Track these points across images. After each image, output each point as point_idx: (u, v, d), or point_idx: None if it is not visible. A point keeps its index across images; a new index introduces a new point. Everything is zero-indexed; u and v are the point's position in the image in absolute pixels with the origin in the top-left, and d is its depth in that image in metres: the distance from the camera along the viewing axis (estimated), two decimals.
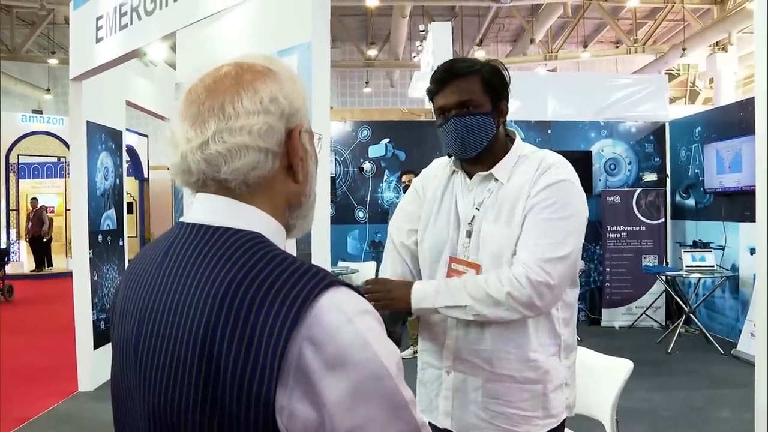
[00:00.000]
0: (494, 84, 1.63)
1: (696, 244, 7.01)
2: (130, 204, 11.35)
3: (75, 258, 5.30)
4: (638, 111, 8.37)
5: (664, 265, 7.23)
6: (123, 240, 5.94)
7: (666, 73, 15.87)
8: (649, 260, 7.23)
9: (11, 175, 14.32)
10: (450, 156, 1.75)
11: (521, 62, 16.59)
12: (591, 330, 7.05)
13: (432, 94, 1.67)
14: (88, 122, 5.19)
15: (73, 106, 5.17)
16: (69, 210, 12.39)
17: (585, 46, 17.36)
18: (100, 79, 5.12)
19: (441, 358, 1.69)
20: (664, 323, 7.14)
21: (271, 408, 0.71)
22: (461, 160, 1.72)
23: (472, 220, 1.65)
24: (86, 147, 5.17)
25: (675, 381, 5.16)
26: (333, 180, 7.57)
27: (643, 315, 7.16)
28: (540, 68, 16.32)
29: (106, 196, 5.58)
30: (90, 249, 5.22)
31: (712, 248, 6.61)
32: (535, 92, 8.17)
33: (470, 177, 1.70)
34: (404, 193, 6.38)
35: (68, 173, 13.56)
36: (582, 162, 7.09)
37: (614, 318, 7.30)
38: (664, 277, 6.74)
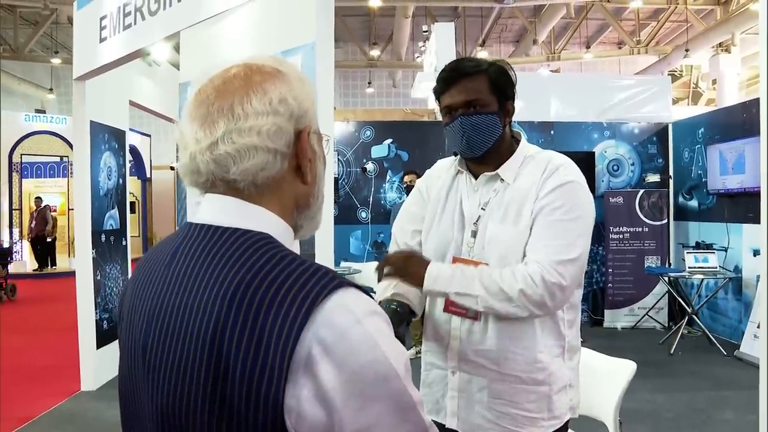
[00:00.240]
0: (501, 84, 1.63)
1: (699, 246, 7.01)
2: (132, 204, 11.38)
3: (78, 257, 5.31)
4: (641, 112, 8.35)
5: (666, 266, 7.22)
6: (126, 240, 5.95)
7: (669, 74, 15.88)
8: (651, 261, 7.22)
9: (14, 174, 14.34)
10: (456, 155, 1.75)
11: (524, 63, 16.57)
12: (593, 331, 7.04)
13: (438, 93, 1.67)
14: (91, 122, 5.20)
15: (76, 105, 5.18)
16: (72, 209, 12.43)
17: (588, 47, 17.35)
18: (104, 78, 5.14)
19: (446, 359, 1.69)
20: (666, 324, 7.13)
21: (280, 408, 0.71)
22: (467, 160, 1.72)
23: (477, 220, 1.65)
24: (89, 147, 5.18)
25: (678, 382, 5.15)
26: (336, 180, 7.57)
27: (646, 316, 7.15)
28: (543, 69, 16.31)
29: (109, 196, 5.59)
30: (93, 248, 5.23)
31: (714, 249, 6.61)
32: (538, 93, 8.16)
33: (475, 177, 1.70)
34: (407, 193, 6.39)
35: (71, 173, 13.62)
36: (585, 163, 7.08)
37: (617, 319, 7.29)
38: (666, 279, 6.74)
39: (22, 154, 14.50)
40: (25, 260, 13.99)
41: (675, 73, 18.06)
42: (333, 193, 3.30)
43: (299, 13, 2.96)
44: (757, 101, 6.04)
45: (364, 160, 7.79)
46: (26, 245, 14.00)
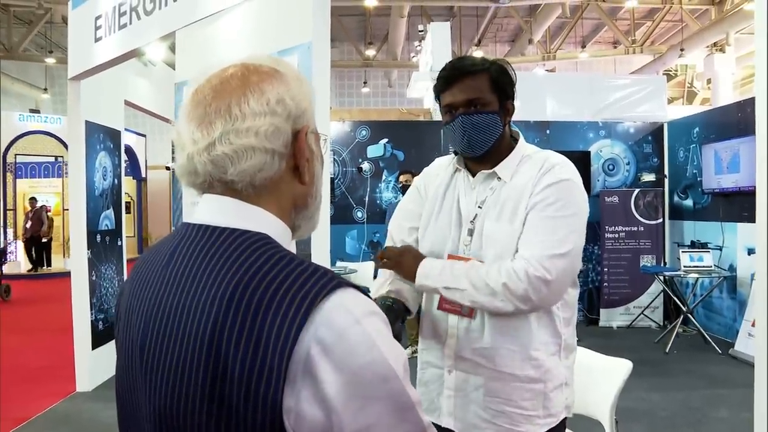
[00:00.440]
0: (502, 83, 1.63)
1: (694, 245, 7.03)
2: (127, 204, 11.35)
3: (73, 258, 5.29)
4: (637, 111, 8.39)
5: (662, 265, 7.24)
6: (121, 240, 5.93)
7: (664, 74, 15.92)
8: (647, 260, 7.24)
9: (8, 174, 14.30)
10: (456, 154, 1.75)
11: (519, 62, 16.58)
12: (589, 330, 7.06)
13: (439, 91, 1.66)
14: (86, 122, 5.18)
15: (71, 105, 5.16)
16: (66, 210, 12.39)
17: (583, 47, 17.40)
18: (99, 78, 5.12)
19: (442, 357, 1.69)
20: (662, 323, 7.15)
21: (278, 409, 0.71)
22: (466, 159, 1.72)
23: (474, 219, 1.65)
24: (85, 147, 5.16)
25: (673, 381, 5.17)
26: (332, 180, 7.57)
27: (641, 315, 7.17)
28: (538, 68, 16.34)
29: (104, 196, 5.57)
30: (88, 249, 5.22)
31: (709, 248, 6.63)
32: (533, 92, 8.18)
33: (473, 175, 1.70)
34: (402, 193, 6.39)
35: (66, 173, 13.57)
36: (581, 162, 7.04)
37: (612, 318, 7.31)
38: (662, 278, 6.76)
39: (16, 154, 14.46)
40: (19, 261, 13.94)
41: (670, 73, 18.10)
42: (329, 193, 3.30)
43: (296, 13, 2.96)
44: (751, 101, 6.07)
45: (360, 160, 7.79)
46: (21, 245, 13.95)
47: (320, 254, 2.75)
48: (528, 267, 1.48)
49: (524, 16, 16.50)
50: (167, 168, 16.91)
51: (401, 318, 1.71)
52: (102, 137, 5.50)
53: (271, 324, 0.72)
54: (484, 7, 15.69)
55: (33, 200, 13.71)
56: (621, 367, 2.22)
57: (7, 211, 14.30)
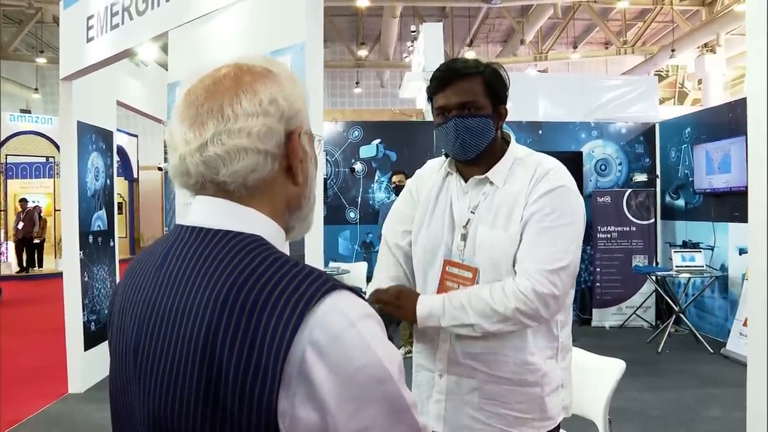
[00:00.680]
0: (495, 86, 1.62)
1: (685, 245, 7.06)
2: (119, 204, 11.29)
3: (65, 259, 5.26)
4: (628, 112, 8.43)
5: (654, 265, 7.27)
6: (114, 241, 5.91)
7: (655, 74, 15.99)
8: (639, 260, 7.27)
9: None
10: (447, 156, 1.74)
11: (511, 63, 16.62)
12: (581, 330, 7.07)
13: (432, 92, 1.65)
14: (78, 122, 5.15)
15: (63, 106, 5.14)
16: (58, 210, 12.33)
17: (575, 47, 17.46)
18: (91, 78, 5.10)
19: (434, 361, 1.67)
20: (654, 323, 7.18)
21: (273, 412, 0.71)
22: (457, 162, 1.71)
23: (467, 224, 1.64)
24: (77, 147, 5.14)
25: (665, 380, 5.19)
26: (324, 180, 7.55)
27: (634, 315, 7.19)
28: (530, 69, 16.38)
29: (96, 197, 5.55)
30: (80, 250, 5.19)
31: (701, 248, 6.66)
32: (526, 93, 8.20)
33: (465, 179, 1.68)
34: (395, 193, 6.39)
35: (57, 173, 13.51)
36: (573, 163, 7.11)
37: (605, 318, 7.33)
38: (654, 277, 6.78)
39: (7, 155, 14.38)
40: (10, 261, 13.87)
41: (661, 73, 18.19)
42: (322, 194, 3.30)
43: (288, 14, 2.95)
44: (742, 101, 6.11)
45: (353, 161, 7.78)
46: (12, 246, 13.87)
47: (314, 255, 2.74)
48: (535, 285, 1.48)
49: (516, 16, 16.54)
50: (159, 168, 16.85)
51: (396, 321, 1.70)
52: (94, 138, 5.48)
53: (265, 326, 0.72)
54: (476, 8, 15.72)
55: (23, 201, 13.63)
56: (614, 367, 2.22)
57: None
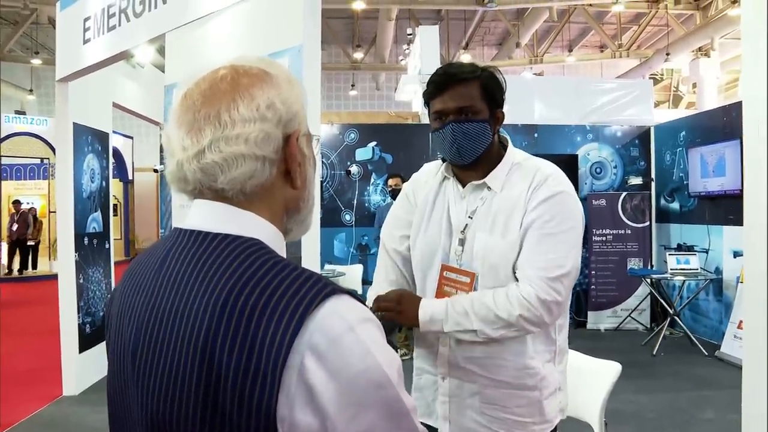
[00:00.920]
0: (492, 90, 1.61)
1: (680, 248, 7.08)
2: (114, 206, 11.25)
3: (61, 261, 5.24)
4: (624, 115, 8.46)
5: (649, 268, 7.29)
6: (109, 243, 5.89)
7: (650, 78, 16.06)
8: (634, 263, 7.29)
9: None
10: (444, 161, 1.73)
11: (507, 66, 16.66)
12: (577, 332, 7.08)
13: (429, 97, 1.63)
14: (74, 124, 5.14)
15: (59, 107, 5.12)
16: (53, 212, 12.28)
17: (570, 50, 17.52)
18: (87, 80, 5.08)
19: (435, 365, 1.68)
20: (649, 326, 7.20)
21: (272, 416, 0.71)
22: (453, 167, 1.70)
23: (464, 229, 1.63)
24: (72, 149, 5.12)
25: (660, 383, 5.20)
26: (320, 183, 7.56)
27: (629, 317, 7.22)
28: (526, 72, 16.42)
29: (92, 199, 5.53)
30: (76, 252, 5.18)
31: (696, 251, 6.68)
32: (521, 96, 8.21)
33: (462, 184, 1.68)
34: (391, 196, 6.39)
35: (51, 175, 13.46)
36: (568, 165, 7.13)
37: (600, 320, 7.35)
38: (649, 280, 6.80)
39: (1, 156, 14.30)
40: (3, 263, 13.80)
41: (656, 77, 18.26)
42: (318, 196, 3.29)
43: (286, 16, 2.95)
44: (736, 105, 6.13)
45: (349, 163, 7.78)
46: (4, 248, 13.80)
47: (310, 258, 2.74)
48: (538, 292, 1.48)
49: (512, 19, 16.57)
50: (155, 170, 16.82)
51: (397, 327, 1.70)
52: (90, 139, 5.46)
53: (264, 330, 0.72)
54: (472, 11, 15.74)
55: (17, 203, 13.57)
56: (610, 370, 2.22)
57: None
